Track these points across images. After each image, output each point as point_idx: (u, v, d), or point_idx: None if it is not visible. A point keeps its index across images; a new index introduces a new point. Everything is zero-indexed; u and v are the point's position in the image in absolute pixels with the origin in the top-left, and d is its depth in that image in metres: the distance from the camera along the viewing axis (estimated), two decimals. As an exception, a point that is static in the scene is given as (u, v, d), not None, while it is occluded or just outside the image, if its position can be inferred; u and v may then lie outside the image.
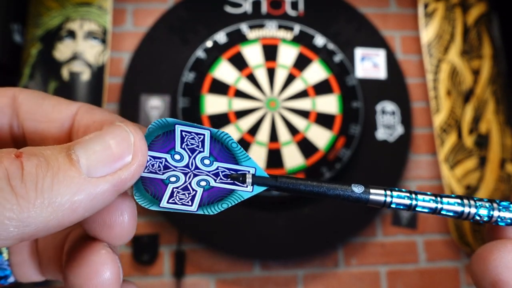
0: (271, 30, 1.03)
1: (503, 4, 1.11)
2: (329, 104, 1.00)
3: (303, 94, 1.00)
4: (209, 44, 1.00)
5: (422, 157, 1.06)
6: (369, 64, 1.05)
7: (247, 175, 0.18)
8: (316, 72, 1.01)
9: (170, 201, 0.17)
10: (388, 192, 0.18)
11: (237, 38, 1.01)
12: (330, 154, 0.96)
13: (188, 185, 0.18)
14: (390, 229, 1.02)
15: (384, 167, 1.02)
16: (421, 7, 1.10)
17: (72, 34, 0.98)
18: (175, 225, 0.95)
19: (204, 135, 0.18)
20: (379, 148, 1.02)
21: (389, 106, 1.04)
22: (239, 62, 1.00)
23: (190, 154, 0.18)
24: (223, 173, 0.18)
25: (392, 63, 1.06)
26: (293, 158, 0.96)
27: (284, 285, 0.97)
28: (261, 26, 1.03)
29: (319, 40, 1.03)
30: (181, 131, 0.18)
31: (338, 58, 1.02)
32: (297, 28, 1.03)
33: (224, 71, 0.99)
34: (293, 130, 0.98)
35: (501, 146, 1.03)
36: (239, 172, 0.18)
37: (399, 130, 1.03)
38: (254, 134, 0.97)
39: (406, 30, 1.13)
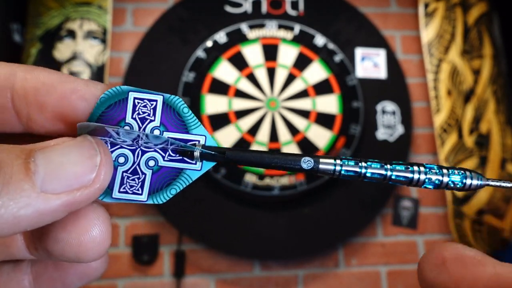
0: (271, 30, 1.03)
1: (503, 4, 1.11)
2: (329, 104, 0.99)
3: (303, 94, 1.00)
4: (209, 44, 1.00)
5: (422, 157, 1.06)
6: (370, 64, 1.05)
7: (195, 151, 0.18)
8: (316, 72, 1.01)
9: (121, 189, 0.17)
10: (338, 161, 0.18)
11: (237, 38, 1.01)
12: (330, 154, 0.96)
13: (137, 167, 0.17)
14: (390, 229, 1.01)
15: (384, 167, 1.02)
16: (422, 6, 1.10)
17: (72, 34, 0.98)
18: (175, 225, 0.95)
19: (156, 101, 0.18)
20: (379, 148, 1.01)
21: (389, 106, 1.04)
22: (239, 62, 1.00)
23: (141, 124, 0.18)
24: (171, 147, 0.18)
25: (393, 63, 1.06)
26: (293, 158, 0.96)
27: (284, 285, 0.97)
28: (261, 26, 1.03)
29: (319, 40, 1.02)
30: (134, 98, 0.17)
31: (338, 58, 1.02)
32: (297, 28, 1.03)
33: (224, 71, 0.99)
34: (293, 130, 0.98)
35: (502, 146, 1.03)
36: (188, 143, 0.18)
37: (400, 130, 1.03)
38: (254, 134, 0.97)
39: (406, 30, 1.12)
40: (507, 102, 1.06)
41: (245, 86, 0.99)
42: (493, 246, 1.00)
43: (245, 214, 0.96)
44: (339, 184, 0.98)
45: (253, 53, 1.01)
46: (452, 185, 0.18)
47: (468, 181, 0.18)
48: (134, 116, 0.18)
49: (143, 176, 0.17)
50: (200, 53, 0.99)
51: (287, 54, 1.02)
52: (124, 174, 0.17)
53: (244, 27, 1.02)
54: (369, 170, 0.18)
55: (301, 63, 1.01)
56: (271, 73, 1.00)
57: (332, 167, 0.18)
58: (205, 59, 0.99)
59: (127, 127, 0.17)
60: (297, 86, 1.00)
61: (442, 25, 1.09)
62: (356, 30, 1.07)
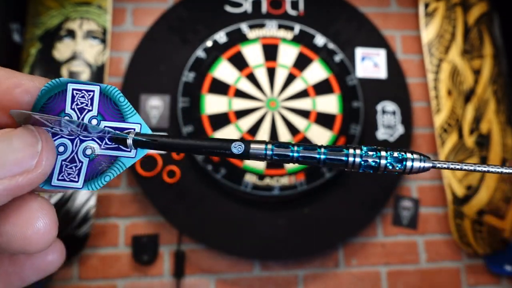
0: (271, 29, 1.02)
1: (504, 3, 1.10)
2: (330, 104, 0.99)
3: (303, 94, 0.99)
4: (209, 43, 0.99)
5: (422, 157, 1.05)
6: (370, 63, 1.05)
7: (127, 139, 0.18)
8: (317, 71, 1.01)
9: (59, 177, 0.18)
10: (269, 146, 0.18)
11: (237, 37, 1.01)
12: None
13: (75, 156, 0.18)
14: (390, 229, 1.01)
15: (384, 167, 1.02)
16: (422, 6, 1.10)
17: (71, 34, 0.98)
18: (175, 225, 0.94)
19: (93, 91, 0.19)
20: (379, 148, 1.01)
21: (389, 106, 1.04)
22: (239, 62, 1.00)
23: (79, 115, 0.18)
24: (108, 136, 0.19)
25: (393, 62, 1.06)
26: (293, 158, 0.96)
27: (284, 286, 0.97)
28: (261, 25, 1.03)
29: (320, 40, 1.02)
30: (73, 89, 0.18)
31: (338, 57, 1.01)
32: (297, 27, 1.03)
33: (224, 70, 0.99)
34: (293, 130, 0.97)
35: (502, 146, 1.03)
36: (124, 132, 0.19)
37: (400, 130, 1.02)
38: (254, 134, 0.96)
39: (406, 30, 1.12)
40: (507, 102, 1.06)
41: (245, 86, 0.99)
42: (493, 246, 1.00)
43: (245, 214, 0.96)
44: (339, 184, 0.98)
45: (253, 53, 1.01)
46: (391, 167, 0.18)
47: (409, 163, 0.18)
48: (73, 107, 0.18)
49: (80, 164, 0.18)
50: (200, 53, 0.99)
51: (287, 54, 1.01)
52: (63, 162, 0.18)
53: (244, 27, 1.02)
54: (301, 154, 0.18)
55: (301, 63, 1.01)
56: (271, 73, 1.00)
57: (263, 151, 0.18)
58: (205, 59, 0.99)
59: (66, 118, 0.18)
60: (297, 86, 1.00)
61: (443, 25, 1.08)
62: (356, 30, 1.07)
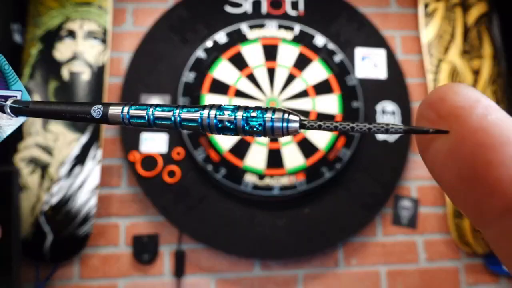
0: (271, 30, 1.03)
1: (503, 4, 1.11)
2: (329, 104, 0.99)
3: (303, 94, 1.00)
4: (209, 44, 1.00)
5: (422, 157, 1.06)
6: (369, 64, 1.05)
7: (4, 106, 0.19)
8: (316, 72, 1.01)
9: None
10: (126, 108, 0.18)
11: (237, 38, 1.01)
12: (330, 154, 0.96)
13: None
14: (390, 229, 1.02)
15: (384, 167, 1.02)
16: (422, 7, 1.10)
17: (72, 34, 0.98)
18: (175, 225, 0.95)
19: None
20: (379, 148, 1.02)
21: (389, 106, 1.04)
22: (239, 62, 1.00)
23: None
24: None
25: (393, 63, 1.06)
26: (293, 158, 0.96)
27: (284, 285, 0.97)
28: (261, 26, 1.03)
29: (319, 40, 1.02)
30: None
31: (338, 58, 1.02)
32: (297, 28, 1.03)
33: (224, 71, 0.99)
34: (293, 130, 0.97)
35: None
36: (8, 99, 0.19)
37: (399, 130, 1.03)
38: (254, 134, 0.97)
39: (406, 30, 1.12)
40: (506, 102, 1.06)
41: (245, 86, 0.99)
42: (492, 246, 1.00)
43: (245, 214, 0.96)
44: (339, 183, 0.99)
45: (253, 53, 1.01)
46: (249, 129, 0.16)
47: (269, 124, 0.15)
48: None
49: None
50: (200, 53, 0.99)
51: (287, 54, 1.02)
52: None
53: (244, 27, 1.02)
54: (156, 114, 0.17)
55: (301, 63, 1.01)
56: (271, 73, 1.00)
57: (120, 113, 0.18)
58: (205, 59, 0.99)
59: None
60: (297, 86, 1.00)
61: (442, 25, 1.09)
62: (356, 30, 1.07)
